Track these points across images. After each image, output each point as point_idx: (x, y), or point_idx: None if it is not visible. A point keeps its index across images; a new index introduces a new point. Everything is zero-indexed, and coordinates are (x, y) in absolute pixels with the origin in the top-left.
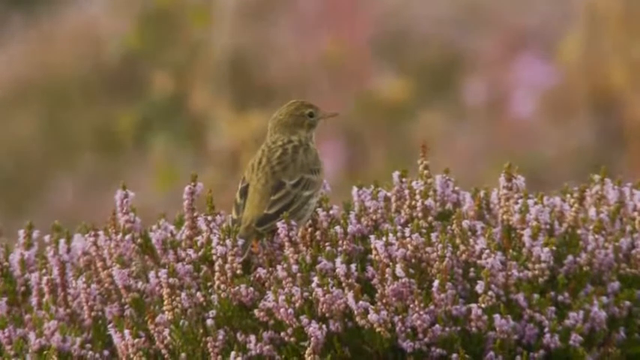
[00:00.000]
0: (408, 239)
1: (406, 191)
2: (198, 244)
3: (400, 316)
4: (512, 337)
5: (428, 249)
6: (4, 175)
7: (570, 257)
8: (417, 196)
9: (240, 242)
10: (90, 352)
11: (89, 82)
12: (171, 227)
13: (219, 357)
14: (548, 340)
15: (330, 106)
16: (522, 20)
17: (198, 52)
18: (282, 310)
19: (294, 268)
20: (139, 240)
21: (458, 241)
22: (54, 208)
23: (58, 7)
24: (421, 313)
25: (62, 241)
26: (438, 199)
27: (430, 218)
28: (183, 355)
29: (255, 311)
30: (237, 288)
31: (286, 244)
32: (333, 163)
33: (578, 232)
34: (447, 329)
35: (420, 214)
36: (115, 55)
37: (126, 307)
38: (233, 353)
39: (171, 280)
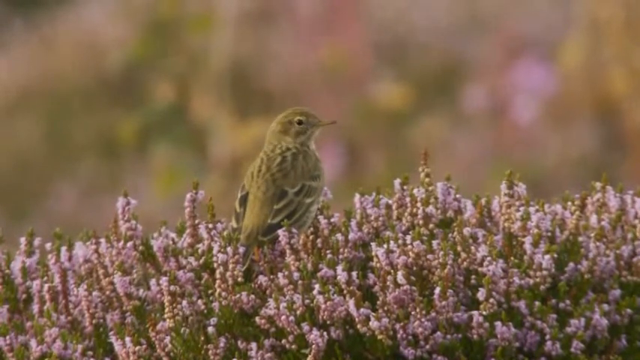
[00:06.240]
0: (409, 247)
1: (407, 199)
2: (200, 251)
3: (401, 324)
4: (514, 345)
5: (429, 256)
6: (6, 182)
7: (571, 265)
8: (419, 204)
9: (242, 250)
10: None
11: (91, 89)
12: (173, 235)
13: None
14: (549, 347)
15: (330, 113)
16: (522, 26)
17: (199, 61)
18: (283, 317)
19: (296, 275)
20: (140, 247)
21: (459, 248)
22: (55, 214)
23: (59, 12)
24: (422, 320)
25: (64, 248)
26: (440, 207)
27: (431, 226)
28: None
29: (257, 319)
30: (238, 295)
31: (287, 251)
32: (332, 170)
33: (580, 239)
34: (448, 337)
35: (421, 222)
36: (117, 63)
37: (127, 314)
38: None
39: (172, 287)
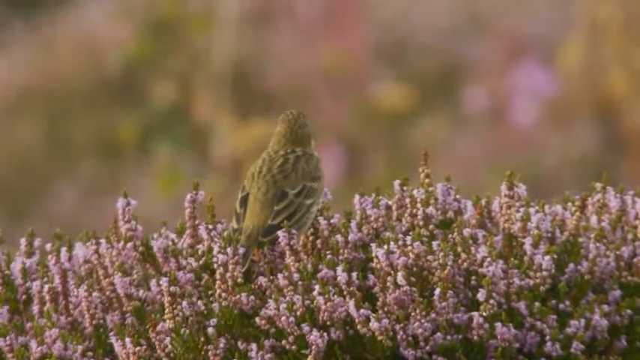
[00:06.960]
0: (409, 247)
1: (407, 199)
2: (200, 252)
3: (401, 325)
4: (514, 346)
5: (429, 257)
6: (6, 182)
7: (572, 265)
8: (419, 205)
9: (242, 251)
10: None
11: (91, 89)
12: (173, 235)
13: None
14: (549, 348)
15: (330, 113)
16: (523, 27)
17: (199, 61)
18: (283, 318)
19: (296, 276)
20: (140, 248)
21: (459, 249)
22: (56, 215)
23: (59, 13)
24: (422, 321)
25: (64, 249)
26: (440, 208)
27: (431, 226)
28: None
29: (257, 319)
30: (238, 296)
31: (287, 252)
32: (333, 171)
33: (580, 240)
34: (448, 337)
35: (421, 223)
36: (117, 63)
37: (127, 315)
38: None
39: (172, 288)
